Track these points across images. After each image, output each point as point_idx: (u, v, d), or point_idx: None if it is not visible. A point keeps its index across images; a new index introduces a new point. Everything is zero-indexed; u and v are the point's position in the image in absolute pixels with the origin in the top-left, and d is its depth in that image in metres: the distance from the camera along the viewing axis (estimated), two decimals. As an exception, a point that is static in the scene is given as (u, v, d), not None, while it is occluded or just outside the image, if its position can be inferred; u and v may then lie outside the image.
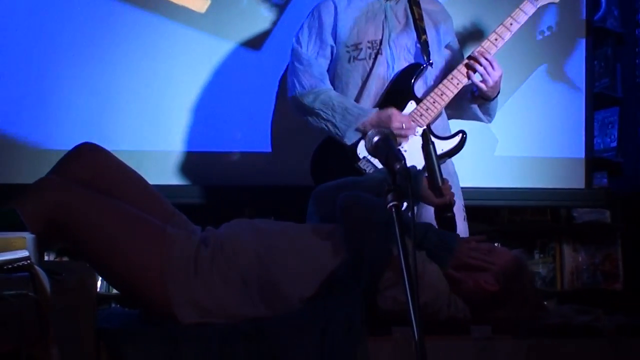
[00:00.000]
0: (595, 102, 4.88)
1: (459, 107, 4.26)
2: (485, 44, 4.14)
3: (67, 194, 3.17)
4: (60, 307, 2.55)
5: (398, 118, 3.98)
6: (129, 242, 3.17)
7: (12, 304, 2.24)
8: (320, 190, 3.61)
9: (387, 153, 2.81)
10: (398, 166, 2.73)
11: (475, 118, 4.30)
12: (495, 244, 4.98)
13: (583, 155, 5.25)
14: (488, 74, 4.05)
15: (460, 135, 4.10)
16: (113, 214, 3.20)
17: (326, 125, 4.11)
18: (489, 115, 4.29)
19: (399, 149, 2.94)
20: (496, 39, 4.14)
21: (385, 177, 2.79)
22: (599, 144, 5.46)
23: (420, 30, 4.16)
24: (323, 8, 4.26)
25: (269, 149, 5.16)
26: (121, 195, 3.31)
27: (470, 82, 4.11)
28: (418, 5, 4.22)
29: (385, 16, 4.19)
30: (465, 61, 4.11)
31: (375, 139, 2.88)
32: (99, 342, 2.90)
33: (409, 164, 3.69)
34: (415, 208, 3.94)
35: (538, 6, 4.20)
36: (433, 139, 3.85)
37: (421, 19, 4.19)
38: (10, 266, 2.40)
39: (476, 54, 4.09)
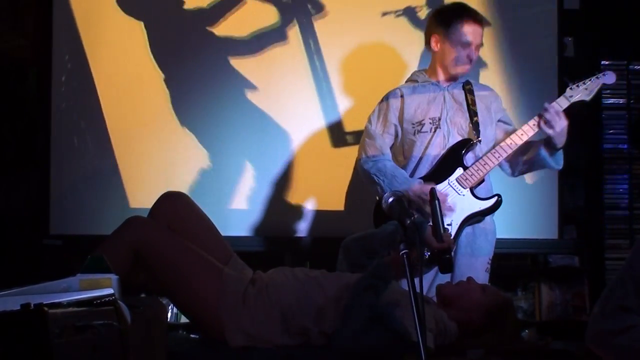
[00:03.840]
0: (566, 170, 4.84)
1: (529, 162, 4.18)
2: (525, 127, 4.09)
3: (148, 231, 3.22)
4: (139, 334, 2.54)
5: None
6: (192, 277, 3.19)
7: (100, 331, 2.23)
8: (348, 241, 3.60)
9: (400, 211, 2.82)
10: (408, 221, 2.74)
11: (546, 166, 4.19)
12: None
13: (557, 213, 5.24)
14: (555, 121, 3.97)
15: (496, 197, 4.08)
16: (183, 252, 3.23)
17: (378, 187, 4.07)
18: (557, 163, 4.17)
19: (409, 208, 2.92)
20: (534, 124, 4.09)
21: (396, 229, 2.81)
22: (569, 204, 5.42)
23: (472, 114, 4.14)
24: (391, 95, 4.21)
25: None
26: (192, 236, 3.33)
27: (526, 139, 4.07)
28: (472, 92, 4.19)
29: (444, 99, 4.16)
30: (536, 117, 4.04)
31: (390, 200, 2.89)
32: (169, 362, 2.89)
33: (450, 218, 3.94)
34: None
35: (571, 101, 4.13)
36: (476, 199, 4.03)
37: (474, 103, 4.15)
38: (98, 301, 2.40)
39: (547, 105, 4.02)
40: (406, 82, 4.33)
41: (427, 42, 4.24)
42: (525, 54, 5.23)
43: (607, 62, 5.36)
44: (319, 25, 5.28)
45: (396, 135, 4.20)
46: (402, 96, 4.18)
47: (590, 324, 2.63)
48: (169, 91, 5.18)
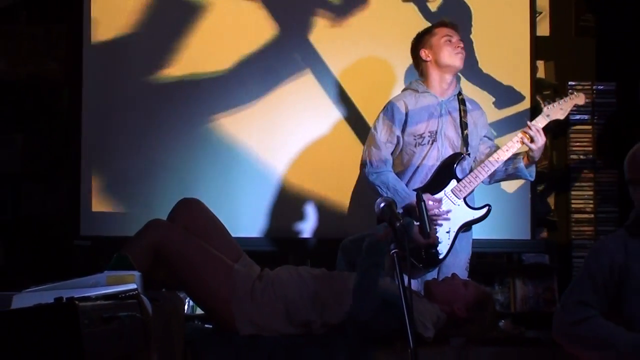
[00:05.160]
0: (537, 178, 4.84)
1: (507, 173, 4.18)
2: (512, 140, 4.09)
3: (167, 232, 3.23)
4: (159, 324, 2.54)
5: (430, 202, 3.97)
6: (206, 274, 3.20)
7: (124, 322, 2.23)
8: (345, 242, 3.59)
9: (390, 215, 2.82)
10: (398, 224, 2.74)
11: (521, 177, 4.20)
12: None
13: (530, 216, 5.25)
14: (537, 138, 3.98)
15: (487, 207, 4.09)
16: (198, 251, 3.24)
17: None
18: (531, 175, 4.18)
19: (399, 212, 2.93)
20: (517, 140, 4.07)
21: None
22: (540, 208, 5.42)
23: (464, 126, 4.13)
24: (396, 105, 4.14)
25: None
26: (206, 237, 3.34)
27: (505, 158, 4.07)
28: (464, 103, 4.18)
29: (440, 113, 4.12)
30: (520, 134, 4.04)
31: (382, 205, 2.89)
32: (186, 350, 2.89)
33: (448, 226, 3.97)
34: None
35: (549, 120, 4.13)
36: (469, 209, 4.05)
37: (465, 115, 4.14)
38: (123, 295, 2.40)
39: (530, 124, 4.04)
40: (405, 89, 4.28)
41: (418, 65, 4.24)
42: (501, 74, 5.25)
43: (573, 83, 5.36)
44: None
45: (397, 144, 4.18)
46: (406, 109, 4.12)
47: (554, 318, 2.73)
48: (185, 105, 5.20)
